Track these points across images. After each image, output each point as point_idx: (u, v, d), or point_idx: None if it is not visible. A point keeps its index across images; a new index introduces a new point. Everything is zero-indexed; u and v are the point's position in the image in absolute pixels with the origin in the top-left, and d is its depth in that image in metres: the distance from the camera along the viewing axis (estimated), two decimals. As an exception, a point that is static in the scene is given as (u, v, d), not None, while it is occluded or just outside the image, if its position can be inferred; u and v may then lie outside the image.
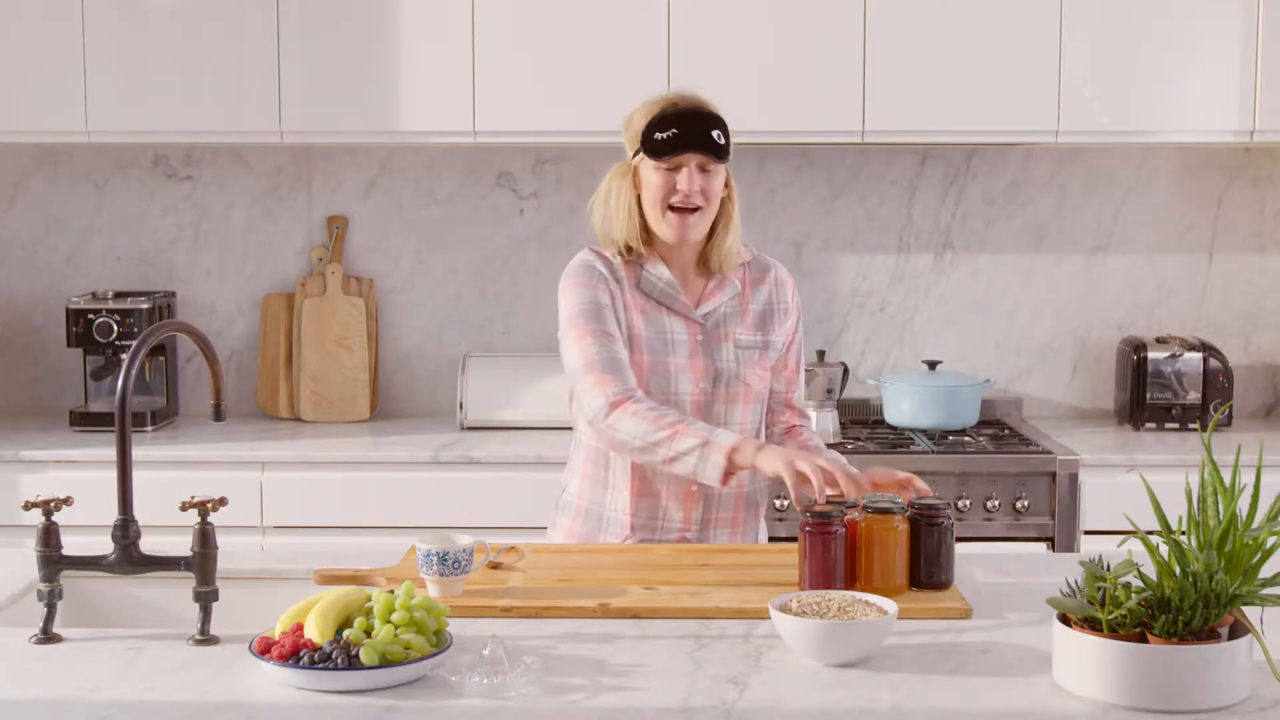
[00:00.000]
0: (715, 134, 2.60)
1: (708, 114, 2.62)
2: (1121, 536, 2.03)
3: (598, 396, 2.52)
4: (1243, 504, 1.82)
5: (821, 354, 3.92)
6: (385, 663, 1.85)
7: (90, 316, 3.90)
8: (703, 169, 2.60)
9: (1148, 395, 3.94)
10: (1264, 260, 4.18)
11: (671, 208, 2.61)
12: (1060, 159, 4.15)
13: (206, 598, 2.08)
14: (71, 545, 2.20)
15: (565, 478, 2.80)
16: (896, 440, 3.81)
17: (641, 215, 2.65)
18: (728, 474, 2.43)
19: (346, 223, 4.19)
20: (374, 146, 4.12)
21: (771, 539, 3.43)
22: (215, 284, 4.22)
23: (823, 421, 3.78)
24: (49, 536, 2.11)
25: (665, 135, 2.58)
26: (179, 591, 2.37)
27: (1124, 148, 4.11)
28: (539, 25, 3.76)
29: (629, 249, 2.66)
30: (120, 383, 2.12)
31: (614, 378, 2.53)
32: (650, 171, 2.62)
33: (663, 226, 2.62)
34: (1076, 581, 1.88)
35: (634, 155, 2.65)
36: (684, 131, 2.58)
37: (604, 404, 2.51)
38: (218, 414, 2.36)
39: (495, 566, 2.41)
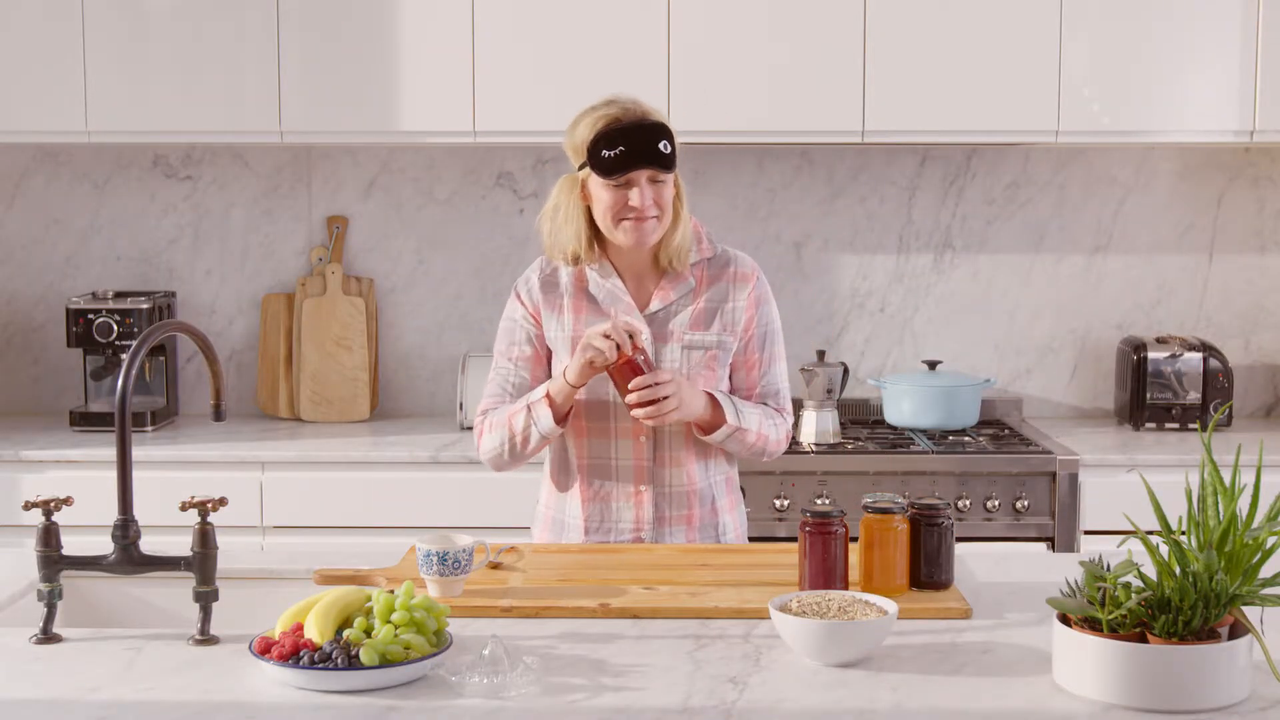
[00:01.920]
0: (662, 145, 2.56)
1: (653, 125, 2.56)
2: (1121, 536, 2.03)
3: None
4: (1243, 504, 1.82)
5: (821, 354, 3.92)
6: (385, 663, 1.85)
7: (90, 316, 3.89)
8: (653, 180, 2.58)
9: (1148, 395, 3.94)
10: (1264, 260, 4.17)
11: (626, 218, 2.59)
12: (1060, 159, 4.15)
13: (206, 598, 2.08)
14: (71, 545, 2.20)
15: (539, 490, 2.82)
16: (896, 440, 3.80)
17: (592, 224, 2.64)
18: (564, 415, 2.60)
19: (346, 223, 4.19)
20: (374, 146, 4.12)
21: (771, 539, 3.45)
22: (215, 284, 4.22)
23: (823, 421, 3.77)
24: (49, 536, 2.11)
25: (613, 153, 2.54)
26: (179, 591, 2.37)
27: (1124, 148, 4.11)
28: (539, 25, 3.76)
29: (579, 259, 2.66)
30: (120, 383, 2.12)
31: (482, 405, 2.70)
32: (600, 188, 2.59)
33: (618, 236, 2.61)
34: (1076, 581, 1.88)
35: (580, 168, 2.62)
36: (631, 148, 2.54)
37: (475, 438, 2.71)
38: (218, 414, 2.36)
39: (495, 566, 2.41)
